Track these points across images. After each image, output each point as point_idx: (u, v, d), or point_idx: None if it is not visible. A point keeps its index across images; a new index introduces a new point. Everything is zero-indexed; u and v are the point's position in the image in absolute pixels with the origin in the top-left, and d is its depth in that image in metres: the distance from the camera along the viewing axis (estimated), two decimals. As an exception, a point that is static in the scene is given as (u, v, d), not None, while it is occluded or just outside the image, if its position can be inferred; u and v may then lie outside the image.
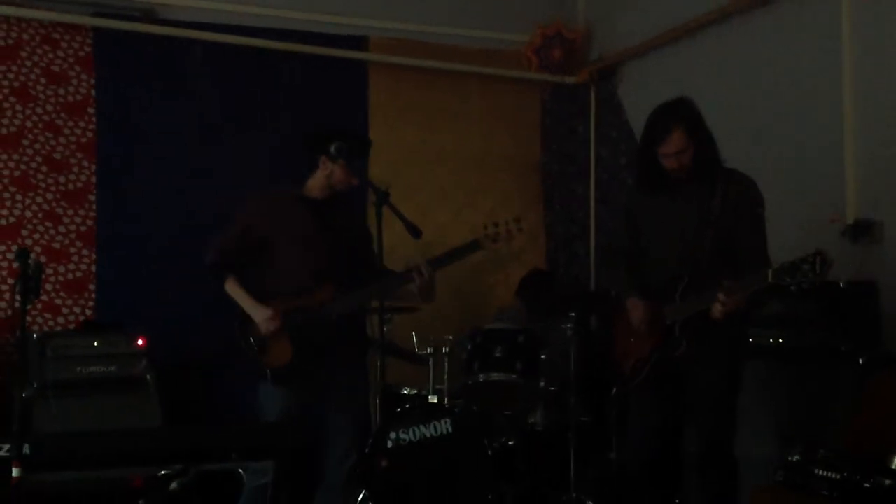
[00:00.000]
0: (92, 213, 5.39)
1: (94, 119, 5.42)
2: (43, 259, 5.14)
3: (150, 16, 5.50)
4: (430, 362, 4.75)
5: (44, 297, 5.18)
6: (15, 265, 3.51)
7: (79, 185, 5.37)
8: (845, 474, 3.39)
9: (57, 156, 5.33)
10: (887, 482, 3.26)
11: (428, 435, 4.36)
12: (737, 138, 4.77)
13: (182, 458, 3.49)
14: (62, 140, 5.35)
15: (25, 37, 5.30)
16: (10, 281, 5.06)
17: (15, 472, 2.96)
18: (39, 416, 4.51)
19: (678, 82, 5.15)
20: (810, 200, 4.70)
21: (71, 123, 5.38)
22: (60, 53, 5.38)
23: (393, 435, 4.37)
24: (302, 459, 4.05)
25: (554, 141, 6.58)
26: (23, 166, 5.25)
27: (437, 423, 4.36)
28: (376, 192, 3.84)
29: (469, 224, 6.31)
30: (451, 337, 4.85)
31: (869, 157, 4.48)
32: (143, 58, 5.51)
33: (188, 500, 3.44)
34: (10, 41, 5.27)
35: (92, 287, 5.36)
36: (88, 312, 5.32)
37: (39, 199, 5.27)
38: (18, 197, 5.22)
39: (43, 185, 5.28)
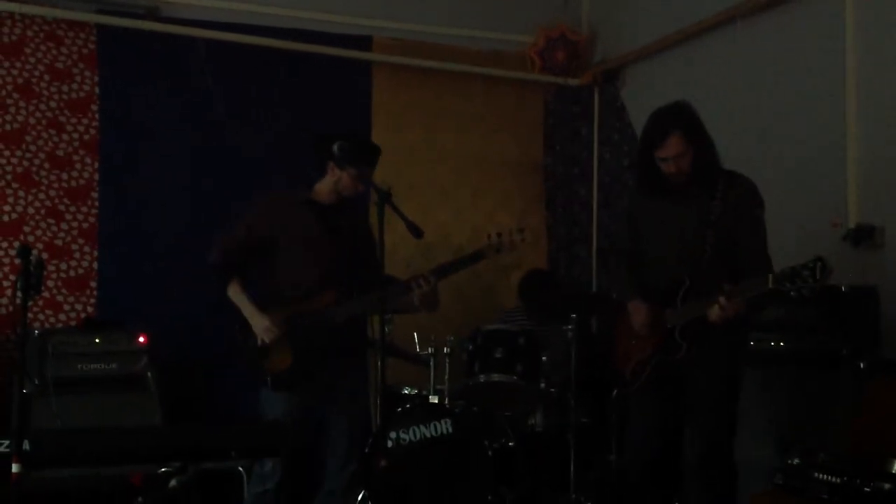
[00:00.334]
0: (94, 211, 5.39)
1: (97, 116, 5.42)
2: (45, 256, 5.14)
3: (153, 13, 5.51)
4: (431, 363, 4.75)
5: (45, 294, 5.18)
6: (17, 261, 3.52)
7: (81, 182, 5.38)
8: (845, 478, 3.39)
9: (60, 153, 5.34)
10: (887, 486, 3.26)
11: (428, 435, 4.36)
12: (739, 141, 4.78)
13: (181, 456, 3.50)
14: (65, 137, 5.35)
15: (29, 33, 5.30)
16: (12, 277, 5.06)
17: (15, 468, 2.96)
18: (39, 412, 4.50)
19: (681, 85, 5.17)
20: (812, 204, 4.70)
21: (74, 120, 5.38)
22: (64, 50, 5.38)
23: (393, 435, 4.37)
24: (302, 461, 4.06)
25: (557, 143, 6.58)
26: (25, 163, 5.25)
27: (437, 424, 4.36)
28: (378, 191, 3.84)
29: (470, 224, 6.32)
30: (452, 338, 4.86)
31: (871, 162, 4.48)
32: (146, 55, 5.50)
33: (187, 498, 3.45)
34: (14, 38, 5.27)
35: (93, 284, 5.36)
36: (90, 310, 5.32)
37: (42, 196, 5.27)
38: (21, 193, 5.23)
39: (46, 181, 5.29)
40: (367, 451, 4.46)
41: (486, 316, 5.78)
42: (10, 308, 5.01)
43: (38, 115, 5.29)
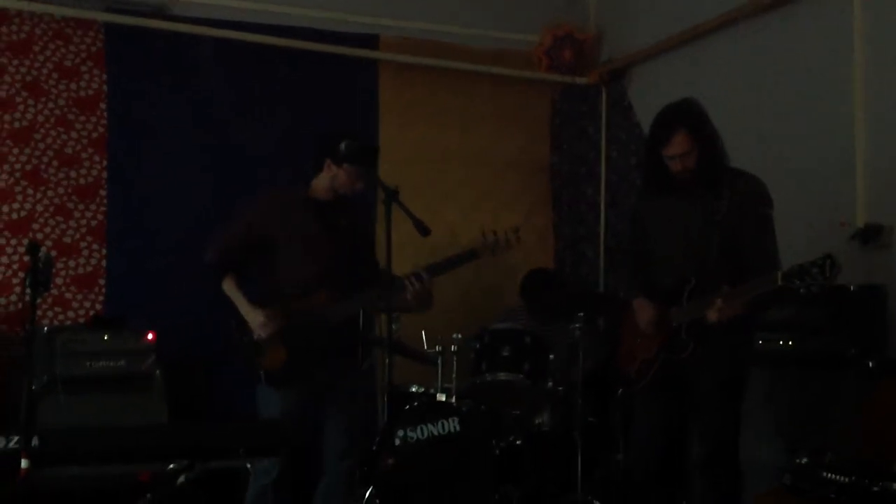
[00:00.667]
0: (102, 208, 5.40)
1: (105, 114, 5.43)
2: (53, 253, 5.15)
3: (161, 12, 5.52)
4: (439, 361, 4.76)
5: (54, 292, 5.20)
6: (25, 259, 3.52)
7: (90, 179, 5.39)
8: (853, 478, 3.39)
9: (68, 150, 5.35)
10: (895, 486, 3.26)
11: (435, 433, 4.37)
12: (747, 140, 4.77)
13: (189, 454, 3.50)
14: (73, 135, 5.37)
15: (38, 32, 5.32)
16: (21, 274, 5.07)
17: (23, 464, 2.97)
18: (47, 409, 4.51)
19: (689, 84, 5.16)
20: (820, 204, 4.69)
21: (82, 118, 5.39)
22: (72, 48, 5.39)
23: (400, 433, 4.38)
24: (300, 456, 4.06)
25: (563, 142, 6.58)
26: (34, 161, 5.26)
27: (444, 422, 4.37)
28: (385, 189, 3.84)
29: (477, 224, 6.27)
30: (459, 336, 4.86)
31: (879, 161, 4.47)
32: (154, 53, 5.52)
33: (194, 495, 3.45)
34: (23, 36, 5.29)
35: (102, 282, 5.37)
36: (98, 307, 5.33)
37: (50, 194, 5.29)
38: (30, 191, 5.24)
39: (54, 179, 5.30)
40: (373, 448, 4.48)
41: (492, 315, 5.78)
42: (19, 305, 5.02)
43: (46, 113, 5.31)
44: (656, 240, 3.92)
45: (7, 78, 5.23)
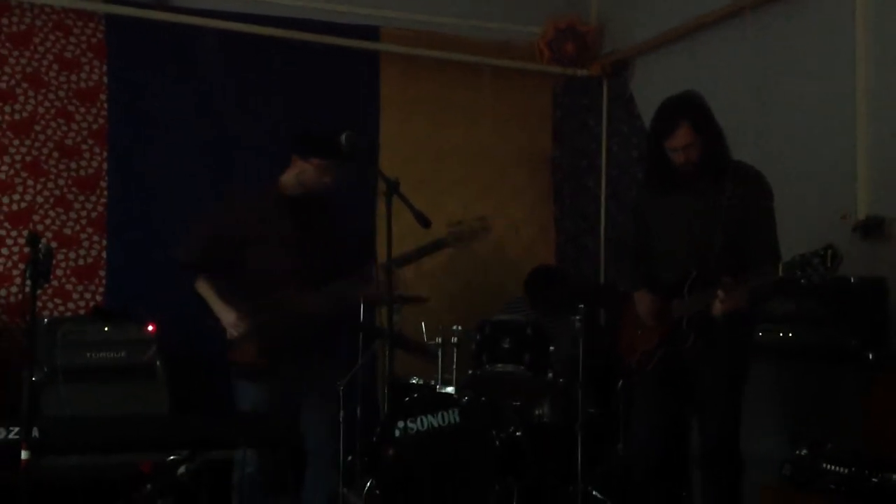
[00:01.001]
0: (103, 200, 5.40)
1: (105, 106, 5.43)
2: (54, 245, 5.15)
3: (162, 3, 5.51)
4: (439, 353, 4.76)
5: (54, 283, 5.21)
6: (26, 250, 3.52)
7: (90, 171, 5.39)
8: (853, 469, 3.40)
9: (68, 142, 5.35)
10: (895, 478, 3.26)
11: (436, 425, 4.37)
12: (748, 133, 4.77)
13: (189, 445, 3.51)
14: (74, 126, 5.36)
15: (38, 23, 5.31)
16: (21, 266, 5.07)
17: (24, 455, 2.97)
18: (48, 400, 4.53)
19: (691, 77, 5.15)
20: (821, 197, 4.69)
21: (83, 110, 5.39)
22: (73, 40, 5.39)
23: (401, 424, 4.38)
24: (290, 448, 4.07)
25: (565, 135, 6.57)
26: (34, 152, 5.26)
27: (444, 413, 4.37)
28: (386, 181, 3.84)
29: (479, 217, 6.31)
30: (459, 328, 4.86)
31: (880, 154, 4.47)
32: (155, 45, 5.51)
33: (195, 485, 3.46)
34: (23, 27, 5.28)
35: (102, 273, 5.37)
36: (98, 298, 5.34)
37: (51, 185, 5.29)
38: (30, 182, 5.24)
39: (54, 171, 5.30)
40: (374, 440, 4.48)
41: (493, 307, 5.78)
42: (20, 297, 5.02)
43: (46, 104, 5.30)
44: (658, 232, 3.91)
45: (7, 69, 5.23)
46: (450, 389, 4.71)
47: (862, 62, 4.55)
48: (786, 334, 4.27)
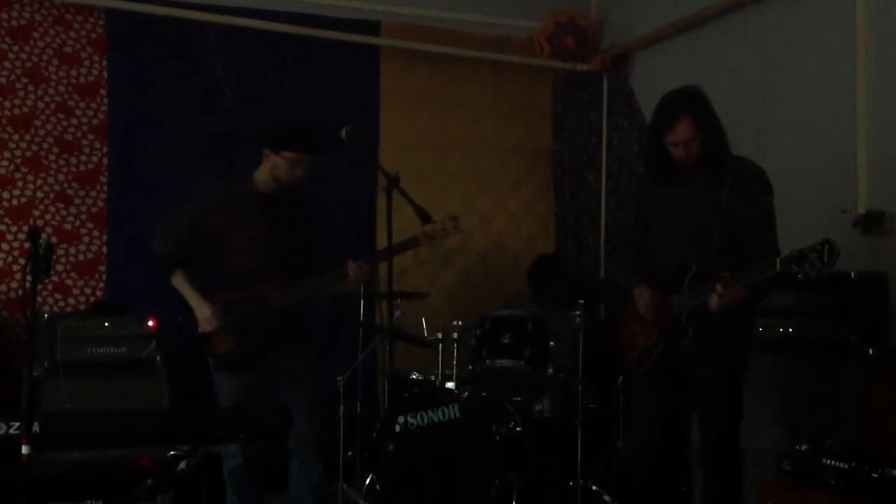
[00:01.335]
0: (103, 195, 5.40)
1: (105, 101, 5.43)
2: (54, 240, 5.15)
3: (162, -3, 5.51)
4: (440, 348, 4.76)
5: (54, 278, 5.21)
6: (26, 245, 3.52)
7: (90, 166, 5.39)
8: (853, 464, 3.40)
9: (69, 137, 5.35)
10: (895, 473, 3.26)
11: (436, 420, 4.38)
12: (748, 127, 4.77)
13: (190, 439, 3.51)
14: (74, 121, 5.36)
15: (38, 18, 5.31)
16: (21, 261, 5.08)
17: (24, 450, 2.97)
18: (49, 395, 4.53)
19: (691, 71, 5.15)
20: (821, 191, 4.69)
21: (83, 105, 5.39)
22: (73, 34, 5.38)
23: (401, 419, 4.39)
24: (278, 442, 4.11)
25: (565, 129, 6.57)
26: (35, 147, 5.26)
27: (445, 409, 4.38)
28: (387, 176, 3.84)
29: (479, 211, 6.32)
30: (459, 323, 4.86)
31: (881, 148, 4.46)
32: (155, 39, 5.50)
33: (196, 480, 3.46)
34: (23, 22, 5.28)
35: (102, 268, 5.38)
36: (99, 294, 5.34)
37: (51, 180, 5.29)
38: (30, 178, 5.24)
39: (54, 166, 5.30)
40: (374, 435, 4.48)
41: (493, 302, 5.79)
42: (20, 292, 5.02)
43: (46, 99, 5.30)
44: (657, 227, 3.91)
45: (7, 64, 5.23)
46: (450, 385, 4.71)
47: (862, 56, 4.54)
48: (786, 329, 4.27)
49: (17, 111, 5.23)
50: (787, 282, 3.41)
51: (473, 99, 6.34)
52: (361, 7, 6.01)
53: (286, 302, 4.04)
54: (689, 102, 3.69)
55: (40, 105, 5.28)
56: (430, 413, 4.39)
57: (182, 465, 3.45)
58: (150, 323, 4.83)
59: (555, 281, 5.62)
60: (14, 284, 5.11)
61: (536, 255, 6.06)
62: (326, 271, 4.08)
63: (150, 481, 3.47)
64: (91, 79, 5.41)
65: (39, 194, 5.26)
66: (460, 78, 6.31)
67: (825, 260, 3.20)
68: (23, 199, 5.22)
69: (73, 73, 5.37)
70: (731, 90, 5.00)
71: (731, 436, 3.74)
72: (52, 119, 5.31)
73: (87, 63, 5.41)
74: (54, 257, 4.97)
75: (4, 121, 5.20)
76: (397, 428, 4.40)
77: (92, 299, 5.30)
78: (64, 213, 5.31)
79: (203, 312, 4.06)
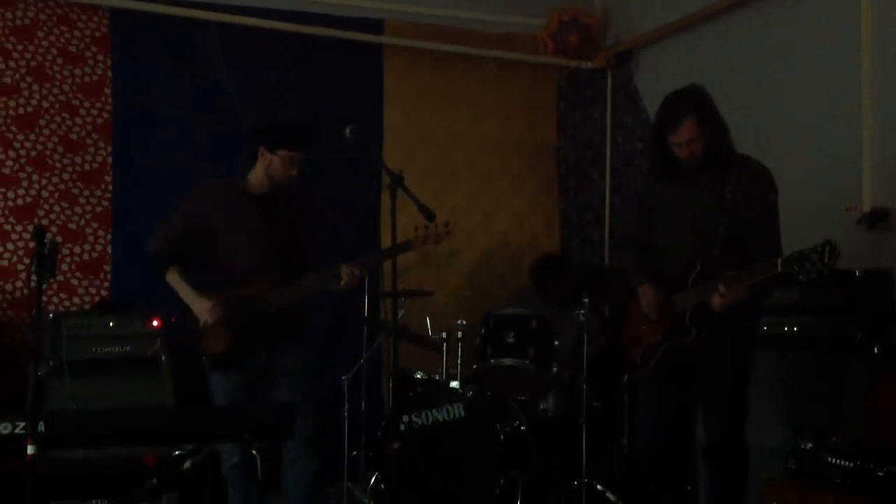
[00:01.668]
0: (108, 194, 5.41)
1: (110, 100, 5.44)
2: (59, 239, 5.16)
3: (166, -4, 5.51)
4: (444, 347, 4.76)
5: (59, 278, 5.22)
6: (31, 244, 3.52)
7: (95, 165, 5.40)
8: (858, 462, 3.39)
9: (73, 136, 5.35)
10: (900, 471, 3.25)
11: (440, 419, 4.38)
12: (752, 125, 4.76)
13: (195, 438, 3.51)
14: (78, 121, 5.37)
15: (42, 17, 5.31)
16: (27, 260, 5.08)
17: (30, 449, 2.97)
18: (54, 394, 4.54)
19: (694, 69, 5.15)
20: (826, 188, 4.68)
21: (87, 104, 5.39)
22: (77, 34, 5.39)
23: (405, 418, 4.39)
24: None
25: (569, 126, 6.56)
26: (39, 146, 5.27)
27: (449, 408, 4.38)
28: (391, 175, 3.84)
29: (482, 209, 6.32)
30: (463, 322, 4.86)
31: (886, 145, 4.45)
32: (159, 39, 5.51)
33: (201, 479, 3.47)
34: (27, 21, 5.28)
35: (107, 268, 5.39)
36: (104, 293, 5.35)
37: (56, 180, 5.29)
38: (35, 177, 5.25)
39: (59, 165, 5.31)
40: (379, 434, 4.48)
41: (498, 301, 5.79)
42: (25, 291, 5.04)
43: (51, 98, 5.31)
44: (662, 226, 3.90)
45: (12, 63, 5.24)
46: (454, 384, 4.71)
47: (866, 54, 4.52)
48: (791, 326, 4.26)
49: (21, 110, 5.24)
50: (786, 282, 3.41)
51: (476, 96, 6.34)
52: (365, 6, 6.01)
53: (281, 301, 4.06)
54: (692, 102, 3.68)
55: (45, 104, 5.29)
56: (434, 412, 4.39)
57: (187, 463, 3.45)
58: (155, 322, 4.84)
59: (559, 279, 5.61)
60: (19, 284, 5.13)
61: (540, 252, 6.06)
62: (321, 270, 4.10)
63: (154, 480, 3.47)
64: (95, 78, 5.42)
65: (44, 193, 5.27)
66: (464, 75, 6.31)
67: (826, 260, 3.21)
68: (28, 199, 5.23)
69: (78, 72, 5.38)
70: (735, 88, 4.99)
71: (735, 435, 3.73)
72: (57, 118, 5.31)
73: (91, 62, 5.41)
74: (59, 257, 4.98)
75: (9, 120, 5.21)
76: (402, 427, 4.40)
77: (97, 298, 5.31)
78: (69, 212, 5.32)
79: (202, 305, 4.06)
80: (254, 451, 4.28)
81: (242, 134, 5.54)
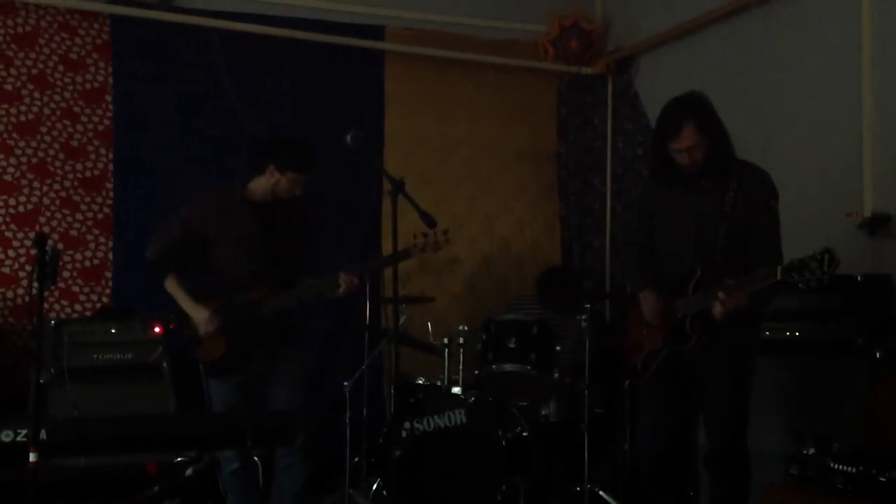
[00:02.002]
0: (109, 201, 5.41)
1: (111, 107, 5.44)
2: (60, 246, 5.16)
3: (167, 4, 5.50)
4: (445, 353, 4.76)
5: (61, 285, 5.22)
6: (33, 251, 3.53)
7: (96, 172, 5.40)
8: (860, 468, 3.38)
9: (74, 143, 5.36)
10: (902, 477, 3.25)
11: (442, 425, 4.37)
12: (753, 129, 4.76)
13: (196, 445, 3.51)
14: (79, 127, 5.37)
15: (43, 24, 5.32)
16: (28, 267, 5.08)
17: (32, 457, 2.98)
18: (55, 402, 4.53)
19: (695, 74, 5.15)
20: (827, 194, 4.68)
21: (88, 111, 5.40)
22: (78, 41, 5.39)
23: (407, 425, 4.39)
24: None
25: (570, 132, 6.56)
26: (41, 153, 5.27)
27: (451, 414, 4.37)
28: (392, 181, 3.85)
29: (483, 214, 6.32)
30: (465, 328, 4.86)
31: (886, 150, 4.46)
32: (160, 45, 5.51)
33: (202, 486, 3.47)
34: (29, 28, 5.29)
35: (108, 274, 5.39)
36: (105, 300, 5.35)
37: (57, 187, 5.29)
38: (36, 184, 5.25)
39: (60, 172, 5.31)
40: (381, 441, 4.48)
41: (499, 306, 5.79)
42: (27, 298, 5.03)
43: (52, 105, 5.31)
44: (663, 232, 3.91)
45: (13, 70, 5.24)
46: (456, 390, 4.71)
47: (867, 58, 4.53)
48: (792, 331, 4.26)
49: (23, 117, 5.24)
50: (785, 290, 3.42)
51: (477, 102, 6.34)
52: (366, 12, 6.02)
53: (278, 307, 4.08)
54: (692, 109, 3.68)
55: (46, 111, 5.30)
56: (436, 418, 4.38)
57: (189, 470, 3.46)
58: (157, 329, 4.84)
59: (564, 292, 5.61)
60: (21, 291, 5.13)
61: (541, 256, 6.06)
62: (320, 275, 4.11)
63: (156, 487, 3.47)
64: (97, 85, 5.43)
65: (46, 201, 5.27)
66: (464, 81, 6.32)
67: (825, 269, 3.22)
68: (29, 206, 5.23)
69: (79, 79, 5.38)
70: (736, 93, 4.99)
71: (735, 441, 3.73)
72: (58, 125, 5.32)
73: (92, 69, 5.42)
74: (61, 263, 4.95)
75: (11, 127, 5.21)
76: (403, 433, 4.39)
77: (98, 305, 5.30)
78: (70, 219, 5.32)
79: (201, 315, 4.08)
80: (255, 458, 4.28)
81: (244, 141, 5.57)
